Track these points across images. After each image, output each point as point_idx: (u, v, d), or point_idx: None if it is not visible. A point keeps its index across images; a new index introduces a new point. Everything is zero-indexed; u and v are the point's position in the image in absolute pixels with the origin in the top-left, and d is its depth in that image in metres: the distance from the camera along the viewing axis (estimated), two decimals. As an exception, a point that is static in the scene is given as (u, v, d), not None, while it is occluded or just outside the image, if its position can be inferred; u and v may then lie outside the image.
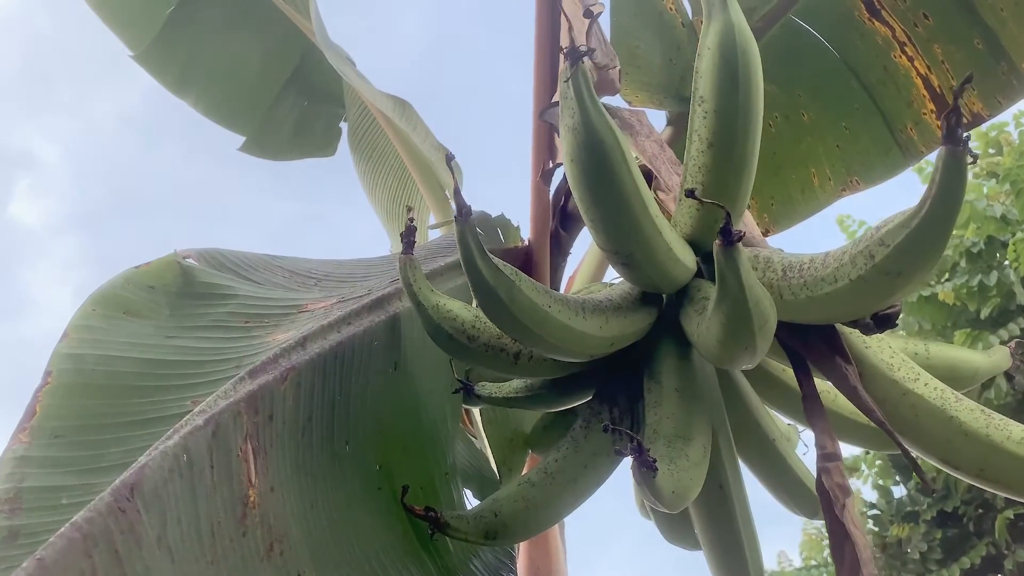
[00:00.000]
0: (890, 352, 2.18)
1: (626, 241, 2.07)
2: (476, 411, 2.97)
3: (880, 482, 12.88)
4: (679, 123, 4.22)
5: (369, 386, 2.16)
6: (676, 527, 2.54)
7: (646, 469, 1.81)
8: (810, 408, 2.15)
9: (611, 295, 2.23)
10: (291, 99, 5.13)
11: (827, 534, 1.98)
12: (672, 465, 1.96)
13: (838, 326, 2.17)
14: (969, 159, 1.74)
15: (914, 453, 2.09)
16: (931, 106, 4.11)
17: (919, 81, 4.06)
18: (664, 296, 2.33)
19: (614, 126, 1.95)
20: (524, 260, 3.35)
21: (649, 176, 2.99)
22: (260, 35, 5.05)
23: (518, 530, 2.19)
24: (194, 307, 2.46)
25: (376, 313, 2.27)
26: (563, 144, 1.99)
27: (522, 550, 3.13)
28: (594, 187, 1.99)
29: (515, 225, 3.37)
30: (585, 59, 1.89)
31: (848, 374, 2.11)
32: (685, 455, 2.01)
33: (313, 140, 5.23)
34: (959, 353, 2.45)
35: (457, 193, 1.92)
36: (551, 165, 3.46)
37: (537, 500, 2.19)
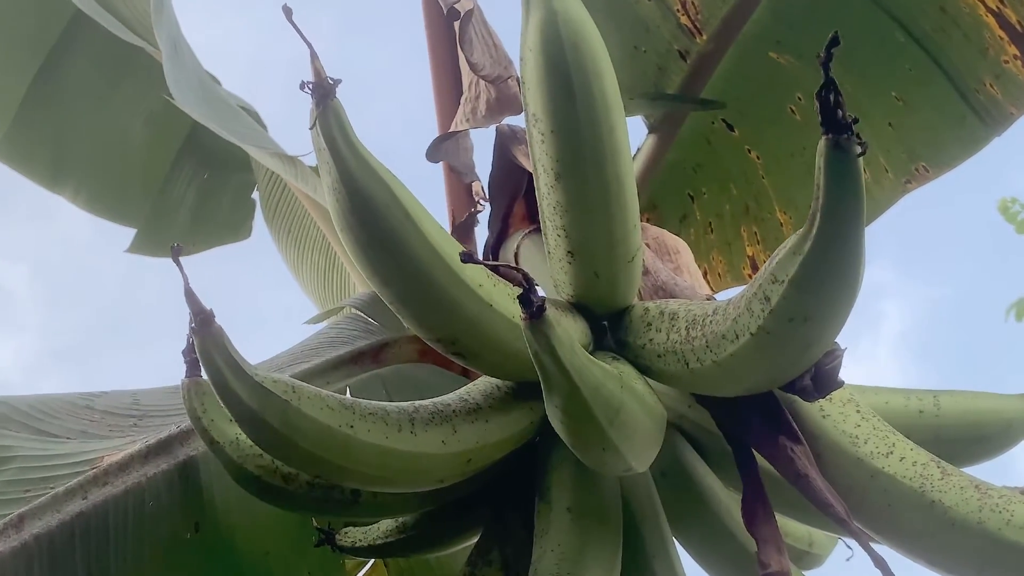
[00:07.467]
0: (857, 418, 2.03)
1: (444, 325, 1.97)
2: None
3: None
4: (664, 129, 4.12)
5: (146, 563, 2.09)
6: None
7: None
8: (751, 511, 2.02)
9: (468, 393, 2.14)
10: (187, 172, 5.17)
11: None
12: None
13: (779, 393, 2.04)
14: (858, 149, 1.60)
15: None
16: (1013, 49, 3.93)
17: (991, 20, 3.88)
18: None
19: (386, 174, 1.86)
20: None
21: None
22: (139, 97, 5.11)
23: None
24: (-35, 480, 2.44)
25: (155, 462, 2.22)
26: (330, 209, 1.92)
27: None
28: (377, 262, 1.91)
29: None
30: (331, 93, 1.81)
31: (796, 457, 1.98)
32: None
33: (220, 221, 5.25)
34: (983, 402, 2.27)
35: (189, 294, 1.85)
36: (469, 213, 3.41)
37: None
